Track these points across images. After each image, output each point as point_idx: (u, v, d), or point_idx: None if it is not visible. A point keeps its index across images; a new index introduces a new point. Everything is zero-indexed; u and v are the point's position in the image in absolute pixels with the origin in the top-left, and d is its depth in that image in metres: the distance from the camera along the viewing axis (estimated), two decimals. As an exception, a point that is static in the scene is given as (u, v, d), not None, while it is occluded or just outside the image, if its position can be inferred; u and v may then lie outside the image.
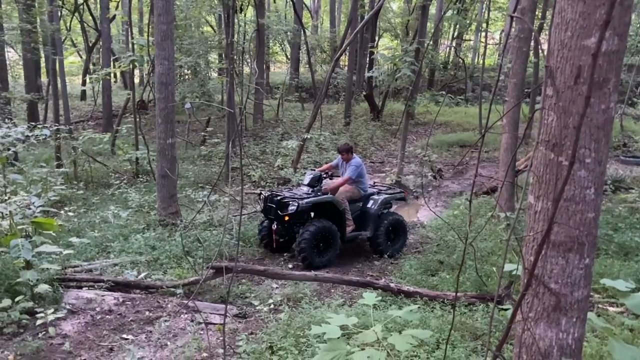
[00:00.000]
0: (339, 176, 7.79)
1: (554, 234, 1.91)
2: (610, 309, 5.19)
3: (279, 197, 7.13)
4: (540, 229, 1.94)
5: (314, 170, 7.66)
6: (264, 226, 7.51)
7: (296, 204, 6.88)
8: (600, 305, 5.22)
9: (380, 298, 4.81)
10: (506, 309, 2.65)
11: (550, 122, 1.89)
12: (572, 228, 1.89)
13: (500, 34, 27.86)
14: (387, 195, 7.80)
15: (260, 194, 8.02)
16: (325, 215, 7.17)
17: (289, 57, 27.45)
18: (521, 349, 2.04)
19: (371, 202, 7.64)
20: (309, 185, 7.30)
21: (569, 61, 1.82)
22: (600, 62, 1.76)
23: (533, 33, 8.23)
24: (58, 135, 10.69)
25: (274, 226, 7.20)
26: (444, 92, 17.59)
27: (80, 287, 5.64)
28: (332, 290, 6.09)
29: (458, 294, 5.35)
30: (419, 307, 4.98)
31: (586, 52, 1.77)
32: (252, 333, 4.74)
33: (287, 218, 6.94)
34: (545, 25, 15.76)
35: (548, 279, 1.96)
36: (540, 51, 12.74)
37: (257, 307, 5.39)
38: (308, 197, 7.05)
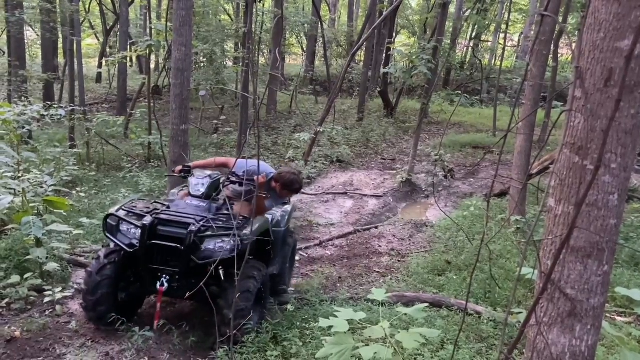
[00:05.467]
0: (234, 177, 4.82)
1: (574, 239, 1.88)
2: (618, 318, 5.14)
3: (183, 225, 4.06)
4: (560, 233, 1.90)
5: (203, 173, 4.61)
6: (104, 279, 4.15)
7: (234, 241, 3.95)
8: (607, 314, 5.17)
9: (389, 295, 4.79)
10: (519, 313, 2.62)
11: (577, 125, 1.85)
12: (593, 234, 1.85)
13: (519, 36, 27.58)
14: (289, 209, 5.42)
15: (111, 216, 4.26)
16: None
17: (304, 49, 27.37)
18: (533, 354, 2.01)
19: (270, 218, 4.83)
20: (203, 196, 4.42)
21: (600, 63, 1.77)
22: (633, 65, 1.71)
23: (554, 35, 8.11)
24: (72, 116, 10.75)
25: (162, 283, 4.04)
26: (459, 92, 17.45)
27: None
28: (338, 285, 6.08)
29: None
30: (426, 306, 4.96)
31: (619, 54, 1.73)
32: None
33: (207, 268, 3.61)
34: (563, 29, 15.53)
35: (564, 285, 1.93)
36: (559, 55, 12.59)
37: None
38: (229, 223, 4.17)
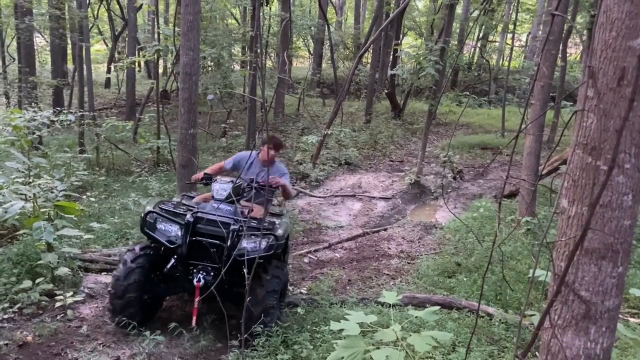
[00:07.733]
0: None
1: (588, 240, 1.85)
2: (631, 319, 5.08)
3: (222, 224, 4.17)
4: (574, 235, 1.88)
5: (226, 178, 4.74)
6: (132, 283, 4.19)
7: (269, 238, 4.20)
8: (620, 316, 5.12)
9: (400, 297, 4.78)
10: (532, 315, 2.60)
11: (589, 125, 1.83)
12: (607, 235, 1.83)
13: (527, 36, 27.46)
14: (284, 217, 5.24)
15: (150, 214, 4.38)
16: None
17: (311, 52, 27.41)
18: (547, 357, 1.99)
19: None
20: (226, 199, 4.47)
21: (613, 62, 1.75)
22: (646, 64, 1.69)
23: (563, 34, 8.05)
24: (82, 122, 10.82)
25: (199, 279, 4.11)
26: (467, 93, 17.41)
27: (100, 272, 5.70)
28: (348, 287, 6.06)
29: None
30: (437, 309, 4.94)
31: (631, 53, 1.71)
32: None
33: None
34: (572, 28, 15.44)
35: (578, 287, 1.90)
36: (567, 54, 12.51)
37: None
38: (267, 222, 4.47)
